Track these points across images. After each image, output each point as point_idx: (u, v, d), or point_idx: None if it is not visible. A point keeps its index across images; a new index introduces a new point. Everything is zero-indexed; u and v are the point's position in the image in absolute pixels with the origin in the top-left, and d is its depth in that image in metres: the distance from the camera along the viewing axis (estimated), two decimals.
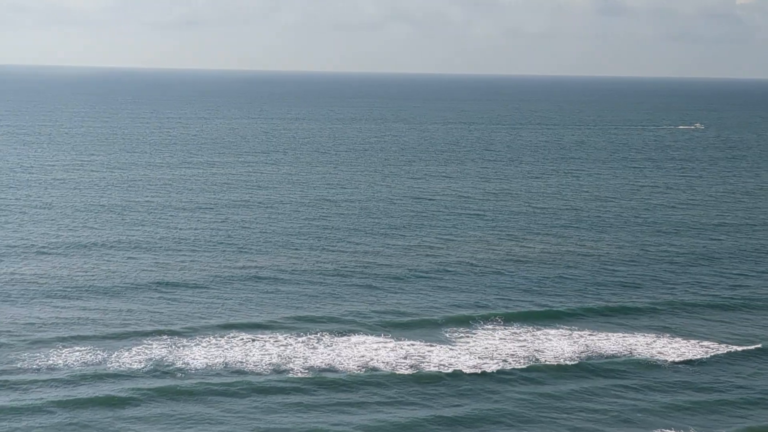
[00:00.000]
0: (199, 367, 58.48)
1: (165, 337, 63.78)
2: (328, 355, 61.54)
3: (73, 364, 58.58)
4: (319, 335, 65.33)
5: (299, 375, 57.92)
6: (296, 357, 60.79)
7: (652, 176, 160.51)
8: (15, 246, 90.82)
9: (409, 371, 59.12)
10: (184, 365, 58.77)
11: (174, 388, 54.71)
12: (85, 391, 54.20)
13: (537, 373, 59.77)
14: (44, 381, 55.69)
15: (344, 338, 64.97)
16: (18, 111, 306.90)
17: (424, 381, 57.81)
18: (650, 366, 61.85)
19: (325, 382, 56.95)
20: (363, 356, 61.44)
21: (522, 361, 61.55)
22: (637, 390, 57.86)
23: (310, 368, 59.13)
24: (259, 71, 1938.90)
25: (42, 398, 53.04)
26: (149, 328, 65.95)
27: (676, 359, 62.96)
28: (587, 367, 61.15)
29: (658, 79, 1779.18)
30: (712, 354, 64.27)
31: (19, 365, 58.15)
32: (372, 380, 57.55)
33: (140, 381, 56.08)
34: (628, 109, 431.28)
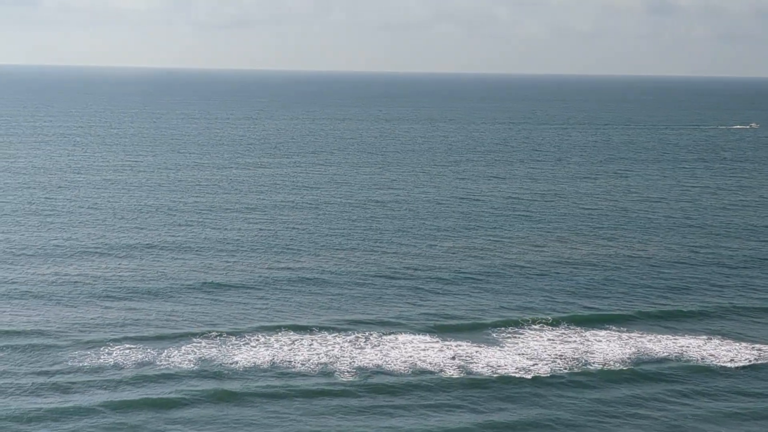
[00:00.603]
0: (246, 368, 58.60)
1: (213, 337, 64.09)
2: (376, 355, 61.42)
3: (121, 364, 59.00)
4: (366, 335, 65.18)
5: (346, 378, 57.77)
6: (343, 358, 60.72)
7: (702, 177, 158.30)
8: (63, 246, 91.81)
9: (457, 373, 58.76)
10: (231, 366, 58.97)
11: (221, 390, 54.81)
12: (133, 392, 54.56)
13: (586, 376, 59.06)
14: (92, 381, 56.09)
15: (391, 338, 64.73)
16: (68, 112, 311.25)
17: (472, 384, 57.39)
18: (701, 370, 60.87)
19: (372, 385, 56.65)
20: (410, 357, 61.24)
21: (571, 363, 60.90)
22: (688, 395, 56.93)
23: (358, 370, 59.02)
24: (307, 71, 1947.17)
25: (90, 399, 53.40)
26: (197, 329, 66.27)
27: (728, 363, 61.88)
28: (637, 371, 60.28)
29: (709, 78, 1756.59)
30: (766, 359, 63.04)
31: (67, 366, 58.63)
32: (420, 383, 57.14)
33: (188, 382, 56.33)
34: (679, 108, 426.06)
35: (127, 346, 62.10)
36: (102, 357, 60.05)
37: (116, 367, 58.57)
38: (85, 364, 58.89)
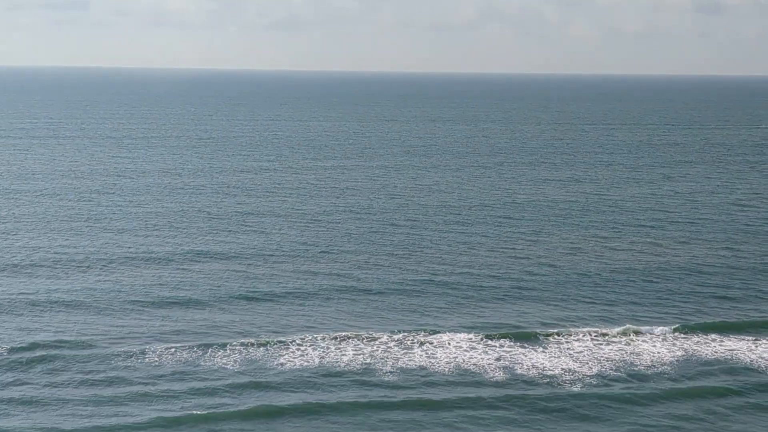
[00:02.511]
0: (293, 377, 57.98)
1: (256, 345, 63.08)
2: (423, 370, 60.68)
3: (169, 374, 58.25)
4: (416, 347, 63.83)
5: (395, 395, 56.25)
6: (387, 368, 59.92)
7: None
8: (103, 254, 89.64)
9: (502, 375, 58.30)
10: (279, 374, 58.56)
11: (270, 407, 53.42)
12: (179, 406, 53.57)
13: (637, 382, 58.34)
14: (140, 395, 55.05)
15: (439, 349, 64.14)
16: (116, 113, 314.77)
17: (517, 385, 56.93)
18: (751, 371, 59.71)
19: (424, 402, 54.94)
20: (455, 358, 60.91)
21: (618, 366, 60.20)
22: (741, 395, 55.82)
23: (401, 370, 58.77)
24: (355, 71, 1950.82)
25: (139, 413, 52.47)
26: (241, 338, 65.41)
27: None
28: (686, 374, 59.33)
29: (763, 77, 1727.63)
30: None
31: (116, 377, 57.63)
32: (466, 396, 56.02)
33: (236, 395, 55.30)
34: (739, 108, 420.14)
35: (173, 355, 61.29)
36: (148, 368, 58.99)
37: (165, 377, 57.58)
38: (134, 375, 57.90)
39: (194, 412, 52.26)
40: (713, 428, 51.68)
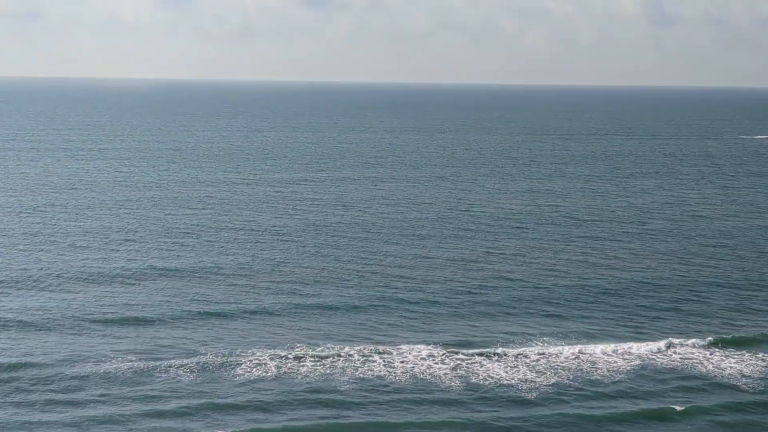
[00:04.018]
0: (249, 394, 58.13)
1: (212, 363, 62.49)
2: (381, 380, 61.15)
3: (119, 393, 57.99)
4: (376, 355, 64.72)
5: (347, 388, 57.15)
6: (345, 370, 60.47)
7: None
8: (55, 270, 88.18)
9: (458, 384, 58.70)
10: (236, 391, 58.57)
11: (225, 425, 53.46)
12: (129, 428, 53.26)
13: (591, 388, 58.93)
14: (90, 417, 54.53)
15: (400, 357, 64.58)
16: (71, 125, 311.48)
17: (473, 396, 57.28)
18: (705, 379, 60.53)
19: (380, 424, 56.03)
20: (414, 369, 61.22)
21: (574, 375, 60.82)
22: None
23: (359, 381, 58.96)
24: (311, 81, 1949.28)
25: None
26: (196, 356, 65.56)
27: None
28: (641, 388, 60.11)
29: (715, 88, 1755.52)
30: None
31: (63, 398, 56.85)
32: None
33: (189, 416, 54.80)
34: (700, 118, 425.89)
35: (123, 371, 61.09)
36: (103, 385, 59.18)
37: (116, 396, 57.26)
38: (85, 396, 57.37)
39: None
40: None
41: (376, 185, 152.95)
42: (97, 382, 58.47)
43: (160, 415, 53.67)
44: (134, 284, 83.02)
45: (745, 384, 60.31)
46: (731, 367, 63.20)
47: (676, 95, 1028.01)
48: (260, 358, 62.91)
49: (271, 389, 57.58)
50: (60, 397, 56.31)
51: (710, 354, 65.78)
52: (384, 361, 62.71)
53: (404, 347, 65.47)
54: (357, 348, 65.00)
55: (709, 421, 54.39)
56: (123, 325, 70.86)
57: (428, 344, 66.20)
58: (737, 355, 65.79)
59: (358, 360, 62.74)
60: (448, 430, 52.37)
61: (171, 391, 57.07)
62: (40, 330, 69.38)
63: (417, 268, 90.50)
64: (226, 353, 63.59)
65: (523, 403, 56.30)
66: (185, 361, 62.07)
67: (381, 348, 65.10)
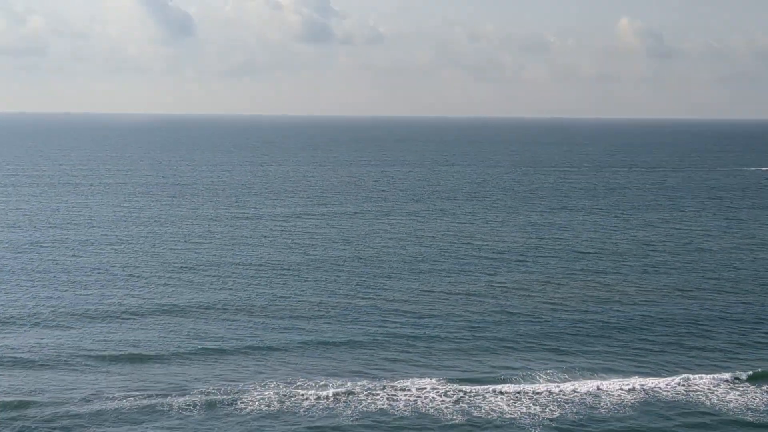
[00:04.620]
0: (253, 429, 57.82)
1: (213, 398, 62.81)
2: (384, 414, 60.71)
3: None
4: (379, 390, 64.43)
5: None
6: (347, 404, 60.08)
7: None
8: (50, 307, 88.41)
9: (461, 418, 58.23)
10: (240, 426, 58.22)
11: None
12: None
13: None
14: None
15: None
16: (75, 159, 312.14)
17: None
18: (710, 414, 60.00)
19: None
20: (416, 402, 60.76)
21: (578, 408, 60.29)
22: None
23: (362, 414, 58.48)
24: (313, 116, 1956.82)
25: None
26: (198, 393, 65.23)
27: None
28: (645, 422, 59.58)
29: (715, 120, 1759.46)
30: None
31: None
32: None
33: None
34: (704, 150, 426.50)
35: (120, 409, 60.79)
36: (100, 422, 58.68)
37: None
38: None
39: None
40: None
41: (377, 218, 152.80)
42: (97, 419, 58.00)
43: None
44: (133, 320, 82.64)
45: (751, 417, 59.80)
46: (736, 400, 62.76)
47: (677, 127, 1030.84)
48: (262, 393, 62.49)
49: (273, 426, 57.07)
50: None
51: (716, 388, 65.26)
52: (387, 395, 62.31)
53: (407, 382, 65.06)
54: (360, 383, 64.58)
55: None
56: (121, 361, 70.41)
57: (431, 378, 65.82)
58: (741, 388, 65.27)
59: (361, 394, 62.31)
60: None
61: (169, 428, 56.59)
62: (38, 367, 68.89)
63: (418, 302, 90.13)
64: (227, 390, 63.14)
65: None
66: (186, 398, 61.62)
67: (384, 383, 64.66)
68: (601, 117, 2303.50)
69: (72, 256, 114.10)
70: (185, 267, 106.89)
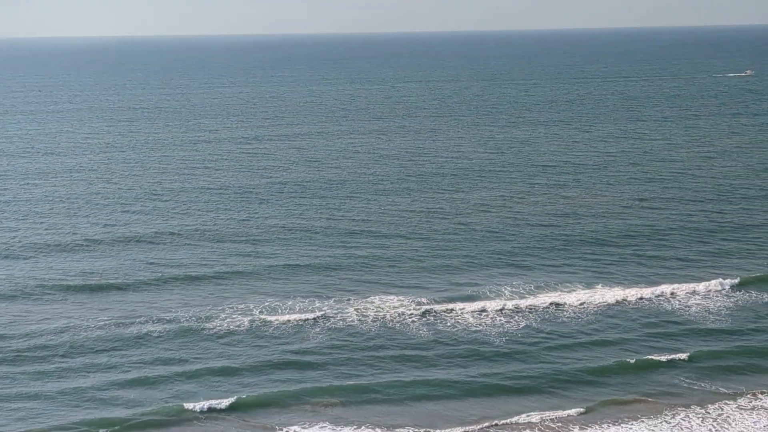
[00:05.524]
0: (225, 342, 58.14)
1: (185, 322, 63.04)
2: (352, 328, 61.23)
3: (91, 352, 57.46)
4: (349, 307, 64.90)
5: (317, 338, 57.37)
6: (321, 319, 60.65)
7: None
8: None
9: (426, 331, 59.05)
10: (210, 339, 58.55)
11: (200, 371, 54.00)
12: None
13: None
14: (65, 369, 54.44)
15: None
16: (31, 85, 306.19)
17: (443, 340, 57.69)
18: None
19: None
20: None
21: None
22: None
23: (329, 330, 59.08)
24: (274, 35, 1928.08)
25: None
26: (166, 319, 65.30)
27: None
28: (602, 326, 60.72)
29: (693, 27, 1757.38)
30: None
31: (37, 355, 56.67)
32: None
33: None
34: (675, 58, 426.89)
35: (91, 332, 60.84)
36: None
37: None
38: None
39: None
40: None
41: (339, 138, 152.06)
42: (74, 350, 58.18)
43: (129, 383, 53.66)
44: (95, 250, 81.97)
45: (712, 323, 61.27)
46: (697, 305, 64.36)
47: (640, 36, 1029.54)
48: (232, 318, 62.77)
49: (242, 352, 57.50)
50: (29, 368, 55.97)
51: (677, 296, 66.60)
52: (354, 314, 62.90)
53: (372, 301, 65.71)
54: (327, 303, 65.09)
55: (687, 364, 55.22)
56: (86, 291, 70.04)
57: (396, 296, 66.47)
58: (702, 295, 66.64)
59: (328, 314, 62.84)
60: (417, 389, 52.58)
61: (143, 356, 56.92)
62: (2, 299, 68.65)
63: (381, 222, 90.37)
64: (197, 315, 63.38)
65: (488, 351, 56.72)
66: (156, 326, 61.89)
67: (349, 303, 65.20)
68: (564, 27, 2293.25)
69: (27, 184, 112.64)
70: (144, 194, 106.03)
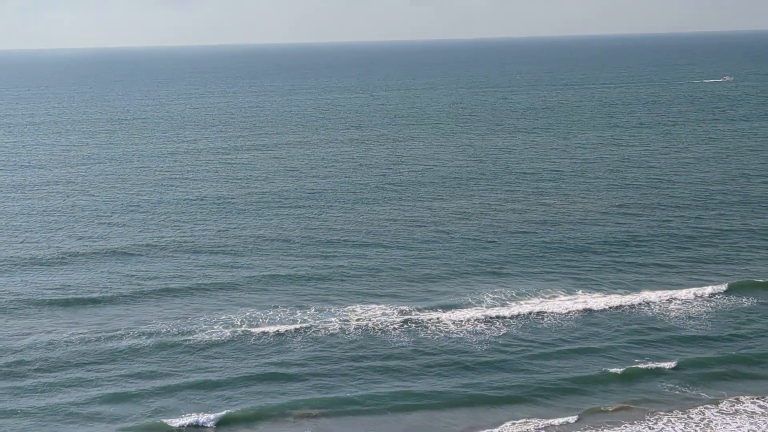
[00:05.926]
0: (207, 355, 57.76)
1: (166, 334, 62.61)
2: (334, 337, 60.98)
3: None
4: (332, 317, 64.63)
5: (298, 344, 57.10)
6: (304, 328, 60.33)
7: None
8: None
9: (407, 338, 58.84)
10: (189, 349, 58.15)
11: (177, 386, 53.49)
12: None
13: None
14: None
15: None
16: (14, 99, 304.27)
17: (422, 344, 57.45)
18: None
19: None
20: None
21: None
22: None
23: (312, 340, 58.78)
24: (248, 44, 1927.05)
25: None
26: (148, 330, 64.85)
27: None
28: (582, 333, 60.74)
29: (671, 34, 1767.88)
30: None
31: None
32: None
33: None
34: (654, 65, 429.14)
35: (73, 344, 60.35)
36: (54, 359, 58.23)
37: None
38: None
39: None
40: None
41: (318, 147, 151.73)
42: (54, 365, 57.48)
43: (109, 398, 53.02)
44: (73, 263, 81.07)
45: (691, 329, 61.33)
46: (678, 310, 64.52)
47: (614, 43, 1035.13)
48: (213, 329, 62.28)
49: (223, 365, 57.03)
50: (5, 384, 55.19)
51: (657, 302, 66.71)
52: (336, 324, 62.60)
53: (353, 310, 65.45)
54: (308, 313, 64.76)
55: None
56: (66, 306, 69.11)
57: (378, 305, 66.24)
58: (681, 301, 66.76)
59: (309, 325, 62.49)
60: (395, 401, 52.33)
61: (120, 370, 56.29)
62: None
63: (361, 232, 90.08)
64: (178, 329, 62.82)
65: (470, 360, 56.53)
66: (137, 339, 61.24)
67: (331, 313, 64.90)
68: (539, 35, 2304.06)
69: (4, 197, 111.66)
70: (122, 206, 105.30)
